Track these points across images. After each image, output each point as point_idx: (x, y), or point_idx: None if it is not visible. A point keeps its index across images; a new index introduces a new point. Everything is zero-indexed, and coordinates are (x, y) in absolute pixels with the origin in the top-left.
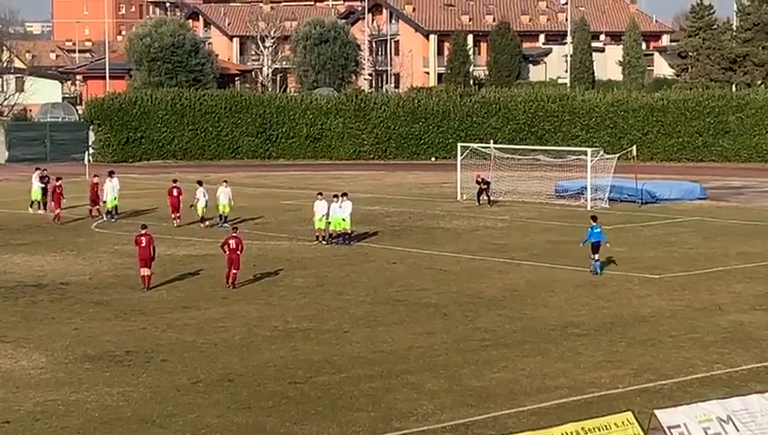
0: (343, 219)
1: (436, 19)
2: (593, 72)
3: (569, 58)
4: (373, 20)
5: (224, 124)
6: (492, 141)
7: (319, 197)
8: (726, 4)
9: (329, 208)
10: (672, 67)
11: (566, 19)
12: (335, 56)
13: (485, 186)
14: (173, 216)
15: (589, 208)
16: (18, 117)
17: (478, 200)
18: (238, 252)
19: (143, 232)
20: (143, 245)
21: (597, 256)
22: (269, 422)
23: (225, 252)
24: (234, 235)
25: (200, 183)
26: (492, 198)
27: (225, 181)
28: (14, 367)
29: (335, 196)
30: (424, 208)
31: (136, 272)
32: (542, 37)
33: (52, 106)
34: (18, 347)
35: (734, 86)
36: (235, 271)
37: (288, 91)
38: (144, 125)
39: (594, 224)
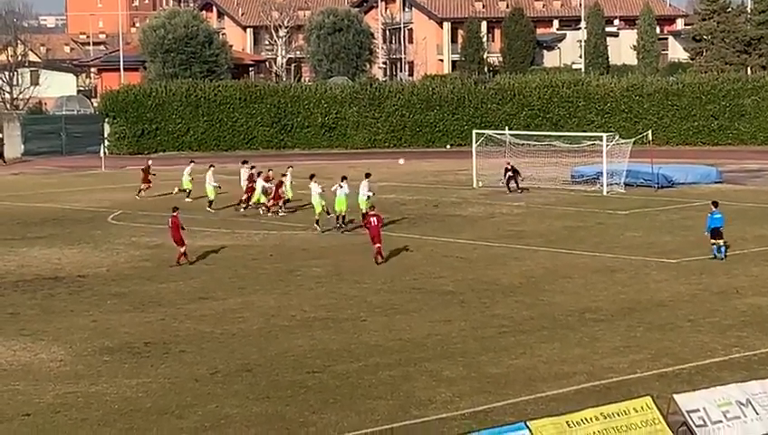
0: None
1: (449, 6)
2: (608, 57)
3: (583, 43)
4: (386, 8)
5: (238, 115)
6: (507, 128)
7: (313, 180)
8: None
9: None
10: (687, 51)
11: (580, 4)
12: (349, 45)
13: (514, 173)
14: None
15: (605, 193)
16: (33, 110)
17: (508, 188)
18: (380, 228)
19: (174, 214)
20: (170, 225)
21: (722, 241)
22: (288, 412)
23: (368, 228)
24: (374, 212)
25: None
26: (521, 186)
27: (245, 163)
28: (34, 360)
29: (343, 177)
30: (440, 196)
31: (153, 264)
32: (555, 23)
33: (67, 99)
34: (37, 340)
35: (749, 69)
36: (378, 245)
37: (302, 80)
38: (159, 117)
39: (714, 210)
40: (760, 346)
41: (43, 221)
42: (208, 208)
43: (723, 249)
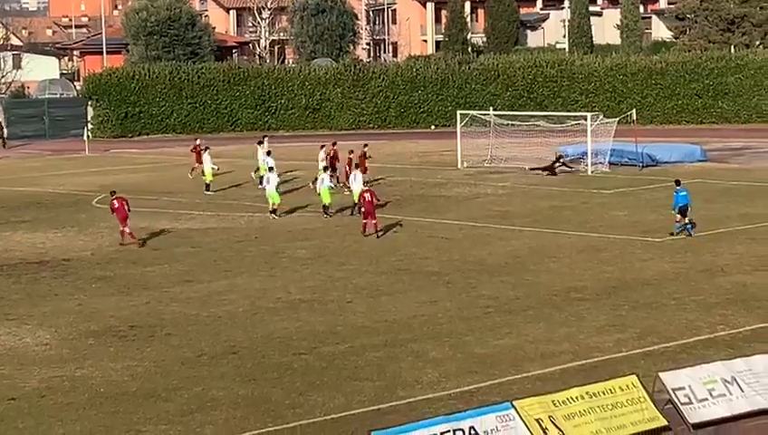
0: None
1: None
2: (591, 37)
3: (567, 23)
4: None
5: (222, 97)
6: (491, 108)
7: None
8: None
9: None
10: (670, 30)
11: None
12: (332, 26)
13: (560, 159)
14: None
15: (590, 173)
16: (16, 94)
17: (554, 172)
18: (374, 203)
19: (116, 196)
20: (116, 206)
21: (687, 219)
22: (274, 394)
23: (362, 204)
24: (367, 189)
25: None
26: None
27: (261, 143)
28: (19, 344)
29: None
30: (425, 177)
31: (137, 247)
32: (539, 2)
33: (49, 82)
34: (22, 324)
35: (732, 47)
36: (374, 220)
37: (286, 62)
38: (142, 100)
39: (679, 187)
40: (744, 324)
41: (26, 205)
42: (206, 192)
43: (689, 227)
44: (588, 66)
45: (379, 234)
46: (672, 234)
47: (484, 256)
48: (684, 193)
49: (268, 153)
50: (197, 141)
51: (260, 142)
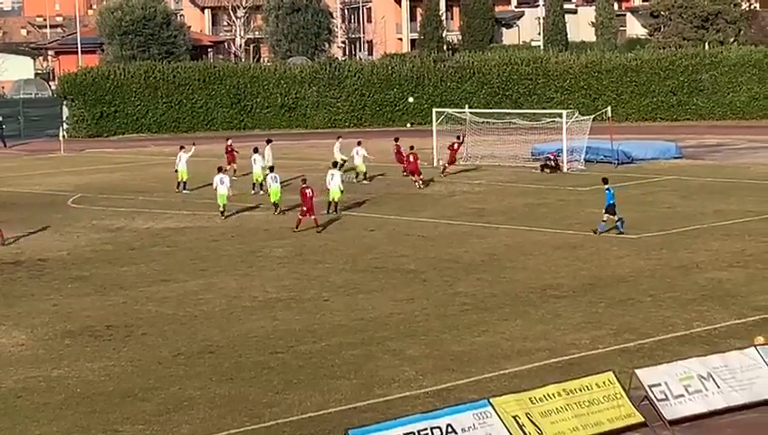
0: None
1: None
2: (566, 35)
3: (541, 21)
4: None
5: (198, 96)
6: (467, 106)
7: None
8: None
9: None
10: (645, 27)
11: None
12: (308, 25)
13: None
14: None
15: (565, 170)
16: None
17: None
18: (314, 199)
19: None
20: None
21: (615, 217)
22: (251, 393)
23: (302, 200)
24: (306, 185)
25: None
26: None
27: (269, 141)
28: None
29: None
30: (401, 175)
31: (114, 247)
32: (514, 0)
33: (24, 82)
34: None
35: (706, 44)
36: (313, 216)
37: (261, 61)
38: (118, 99)
39: (607, 186)
40: (720, 320)
41: (1, 206)
42: (181, 190)
43: (620, 224)
44: (563, 64)
45: (319, 229)
46: (597, 232)
47: (461, 254)
48: (612, 192)
49: (255, 150)
50: (229, 141)
51: (338, 137)
